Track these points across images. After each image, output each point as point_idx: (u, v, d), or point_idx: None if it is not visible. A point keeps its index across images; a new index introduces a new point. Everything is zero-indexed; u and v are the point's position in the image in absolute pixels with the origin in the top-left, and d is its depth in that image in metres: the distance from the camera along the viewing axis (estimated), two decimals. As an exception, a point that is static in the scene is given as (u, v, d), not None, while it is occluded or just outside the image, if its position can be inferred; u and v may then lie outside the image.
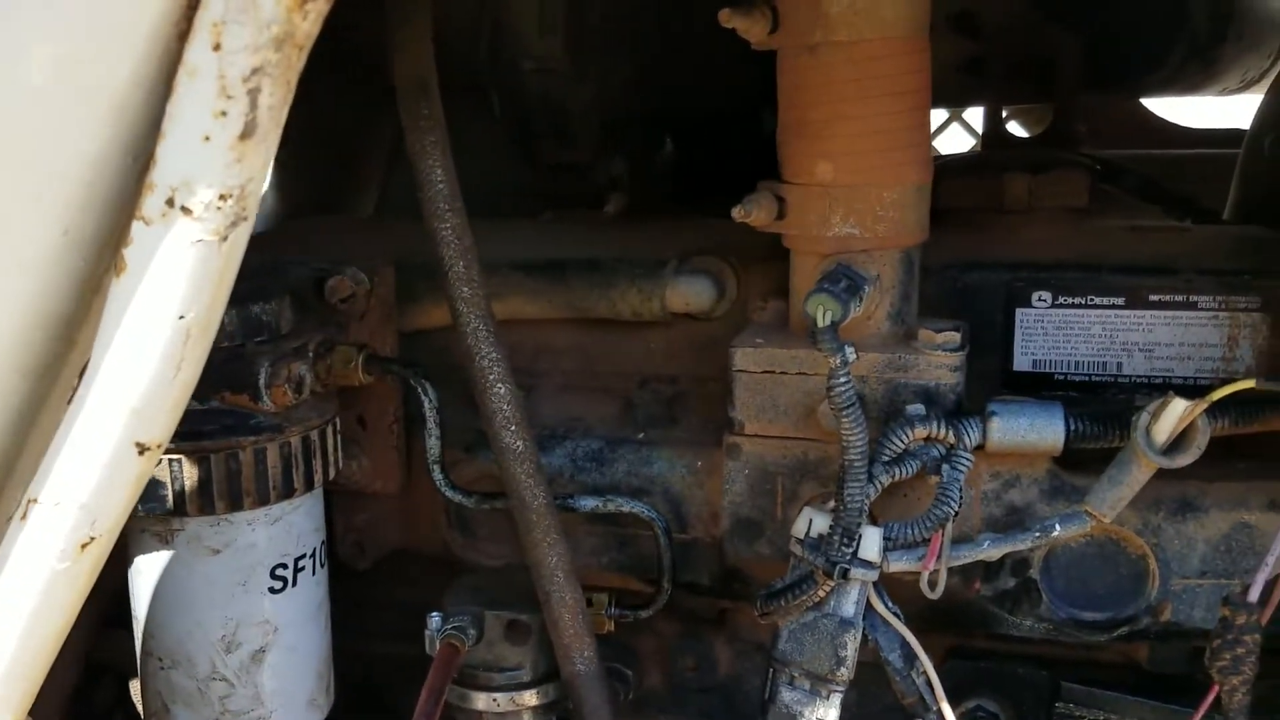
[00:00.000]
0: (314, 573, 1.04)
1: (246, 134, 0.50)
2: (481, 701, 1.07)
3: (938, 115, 2.06)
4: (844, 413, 0.87)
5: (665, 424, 1.14)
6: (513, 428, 0.98)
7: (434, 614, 1.04)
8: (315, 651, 1.07)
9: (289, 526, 1.01)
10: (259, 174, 0.52)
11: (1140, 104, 1.75)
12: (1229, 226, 1.28)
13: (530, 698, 1.06)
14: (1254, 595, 0.84)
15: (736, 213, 0.95)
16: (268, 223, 2.00)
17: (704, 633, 1.19)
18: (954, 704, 1.05)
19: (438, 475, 1.08)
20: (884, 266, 0.97)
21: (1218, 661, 0.84)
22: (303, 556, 1.03)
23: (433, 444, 1.07)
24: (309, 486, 1.00)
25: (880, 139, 0.93)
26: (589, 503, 1.08)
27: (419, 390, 1.05)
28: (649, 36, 1.49)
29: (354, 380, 1.02)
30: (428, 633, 1.03)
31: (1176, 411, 0.84)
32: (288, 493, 0.98)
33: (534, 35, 1.37)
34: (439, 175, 0.94)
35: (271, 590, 1.01)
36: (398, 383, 1.12)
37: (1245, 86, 1.72)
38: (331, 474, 1.03)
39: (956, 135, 2.22)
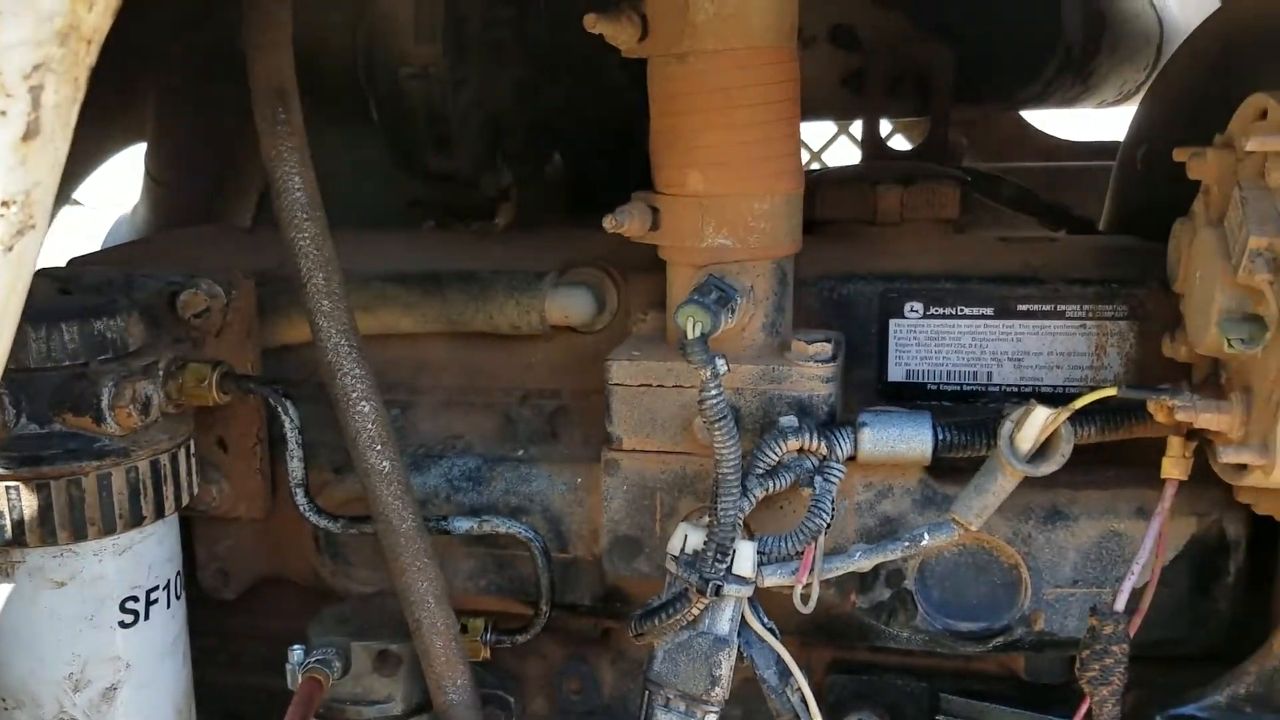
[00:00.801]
0: (169, 605, 0.99)
1: (30, 135, 0.46)
2: (351, 736, 1.03)
3: (826, 129, 2.08)
4: (716, 426, 0.85)
5: (546, 440, 1.11)
6: (378, 447, 0.94)
7: (296, 647, 0.99)
8: (172, 687, 1.01)
9: (139, 556, 0.95)
10: (47, 178, 0.48)
11: (1021, 117, 1.79)
12: (1097, 237, 1.30)
13: (400, 729, 1.01)
14: (1120, 605, 0.85)
15: (608, 223, 0.93)
16: (139, 234, 1.92)
17: (588, 654, 1.16)
18: (835, 718, 1.05)
19: (300, 499, 1.03)
20: (757, 278, 0.96)
21: (1087, 672, 0.85)
22: (156, 588, 0.97)
23: (295, 466, 1.02)
24: (160, 514, 0.94)
25: (750, 149, 0.92)
26: (464, 524, 1.04)
27: (280, 409, 1.00)
28: (535, 44, 1.47)
29: (208, 400, 0.97)
30: (289, 667, 0.98)
31: (1039, 420, 0.84)
32: (136, 521, 0.93)
33: (410, 42, 1.34)
34: (296, 183, 0.90)
35: (122, 624, 0.95)
36: (260, 402, 1.07)
37: (1123, 99, 1.77)
38: (185, 500, 0.98)
39: (845, 148, 2.25)
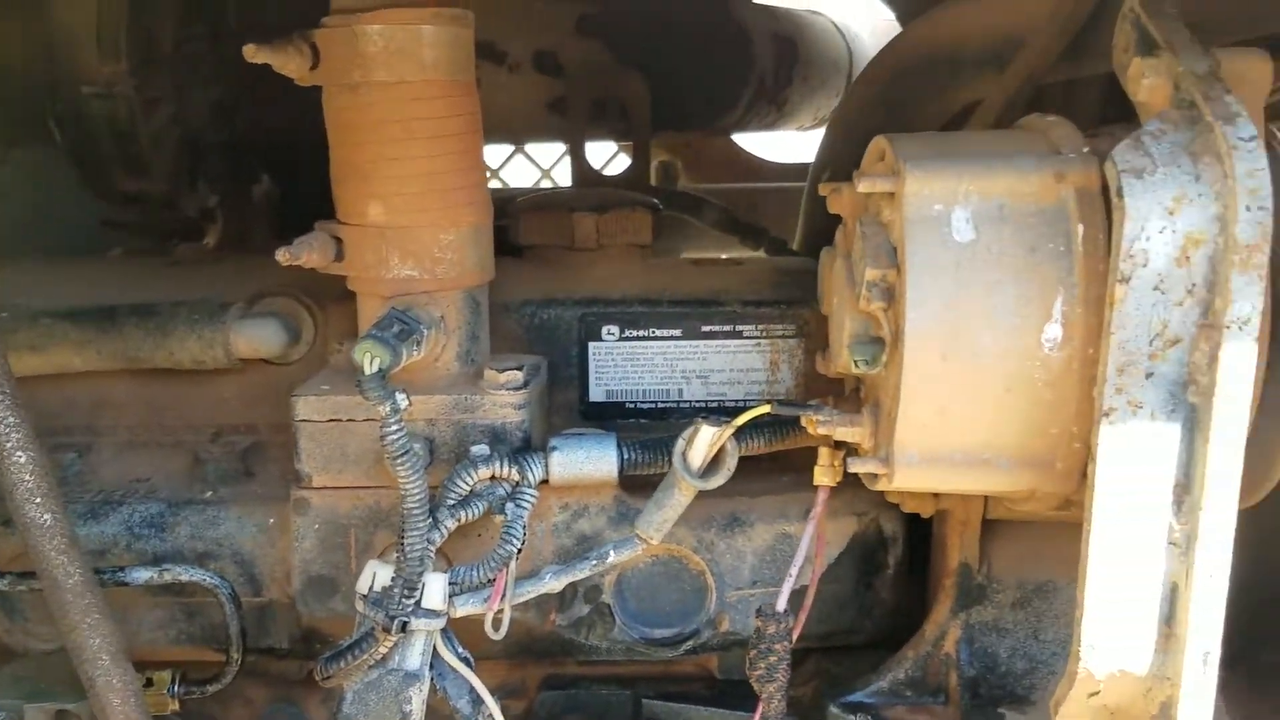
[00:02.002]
0: None
1: None
2: (23, 805, 0.95)
3: (554, 150, 2.12)
4: (398, 461, 0.85)
5: (238, 479, 1.07)
6: (37, 500, 0.87)
7: (-45, 716, 0.91)
8: None
9: None
10: None
11: (732, 141, 1.89)
12: (777, 259, 1.40)
13: (75, 798, 0.95)
14: (781, 605, 0.92)
15: (282, 256, 0.91)
16: None
17: (294, 695, 1.12)
18: (545, 733, 1.07)
19: (-42, 557, 0.94)
20: (448, 308, 0.97)
21: (755, 670, 0.91)
22: None
23: (-53, 523, 0.93)
24: None
25: (430, 180, 0.92)
26: (143, 574, 0.99)
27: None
28: (233, 62, 1.41)
29: None
30: (-56, 740, 0.90)
31: (706, 438, 0.90)
32: None
33: (93, 58, 1.26)
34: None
35: None
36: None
37: (820, 124, 1.91)
38: None
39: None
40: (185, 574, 0.98)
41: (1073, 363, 0.75)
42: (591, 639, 1.02)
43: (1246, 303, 0.66)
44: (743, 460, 0.94)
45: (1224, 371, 0.67)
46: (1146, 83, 0.74)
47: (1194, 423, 0.70)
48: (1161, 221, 0.68)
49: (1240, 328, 0.66)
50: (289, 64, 0.90)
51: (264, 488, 1.05)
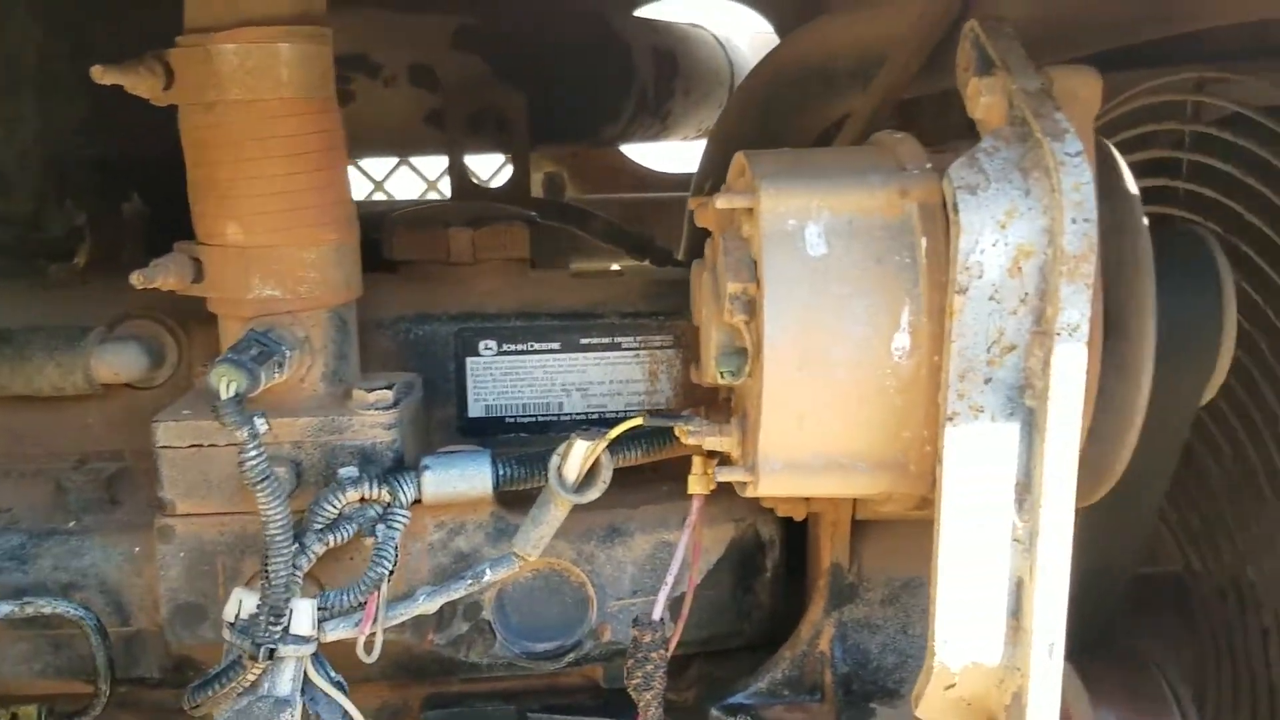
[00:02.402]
0: None
1: None
2: None
3: (441, 162, 2.11)
4: (258, 487, 0.84)
5: (103, 507, 1.04)
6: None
7: None
8: None
9: None
10: None
11: (619, 152, 1.91)
12: (657, 269, 1.42)
13: None
14: (657, 614, 0.93)
15: (135, 279, 0.89)
16: None
17: (169, 726, 1.10)
18: (429, 754, 1.06)
19: None
20: (313, 328, 0.96)
21: (632, 679, 0.92)
22: None
23: None
24: None
25: (290, 199, 0.91)
26: (3, 609, 0.95)
27: None
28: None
29: None
30: None
31: (580, 452, 0.90)
32: None
33: None
34: None
35: None
36: None
37: (704, 134, 1.93)
38: None
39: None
40: (48, 606, 0.95)
41: (921, 370, 0.78)
42: (472, 656, 1.02)
43: (1075, 310, 0.70)
44: (623, 471, 0.95)
45: (1056, 376, 0.70)
46: (983, 101, 0.77)
47: (1032, 425, 0.73)
48: (994, 235, 0.71)
49: (1070, 334, 0.70)
50: (140, 84, 0.88)
51: (130, 515, 1.02)
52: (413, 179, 2.17)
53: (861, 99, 1.24)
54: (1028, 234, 0.71)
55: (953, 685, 0.79)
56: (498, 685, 1.11)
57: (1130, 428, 0.80)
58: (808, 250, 0.79)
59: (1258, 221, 1.03)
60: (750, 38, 1.85)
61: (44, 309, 1.11)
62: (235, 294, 0.93)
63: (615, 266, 1.71)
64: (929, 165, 0.80)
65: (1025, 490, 0.74)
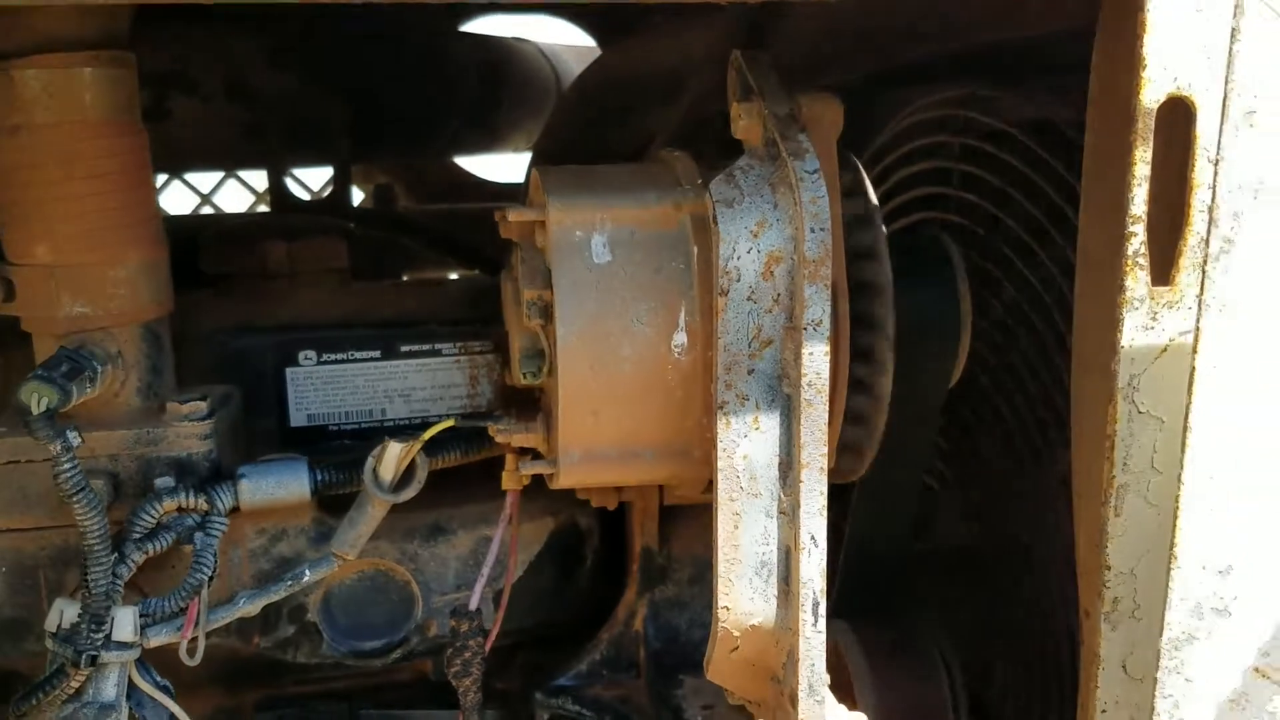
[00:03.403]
0: None
1: None
2: None
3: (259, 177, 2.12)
4: (74, 499, 0.86)
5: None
6: None
7: None
8: None
9: None
10: None
11: (454, 163, 1.96)
12: (478, 278, 1.48)
13: None
14: (474, 605, 0.99)
15: (-55, 302, 0.90)
16: None
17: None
18: (261, 754, 1.10)
19: None
20: (125, 343, 0.98)
21: (451, 667, 0.98)
22: None
23: None
24: None
25: (95, 219, 0.93)
26: None
27: None
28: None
29: None
30: None
31: (395, 453, 0.96)
32: None
33: None
34: None
35: None
36: None
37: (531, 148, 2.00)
38: None
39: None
40: None
41: (697, 364, 0.87)
42: (299, 657, 1.06)
43: (817, 307, 0.79)
44: (447, 472, 1.01)
45: (806, 365, 0.80)
46: (742, 123, 0.86)
47: (789, 409, 0.82)
48: (749, 243, 0.80)
49: (814, 329, 0.79)
50: (-63, 107, 0.89)
51: (-56, 536, 1.02)
52: (241, 192, 2.16)
53: (665, 116, 1.33)
54: (777, 242, 0.80)
55: (736, 648, 0.88)
56: (331, 685, 1.15)
57: (880, 409, 0.90)
58: (594, 259, 0.87)
59: (1016, 227, 1.16)
60: (576, 52, 1.92)
61: None
62: (47, 312, 0.94)
63: (453, 276, 1.75)
64: (700, 181, 0.89)
65: (787, 468, 0.83)
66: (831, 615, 0.85)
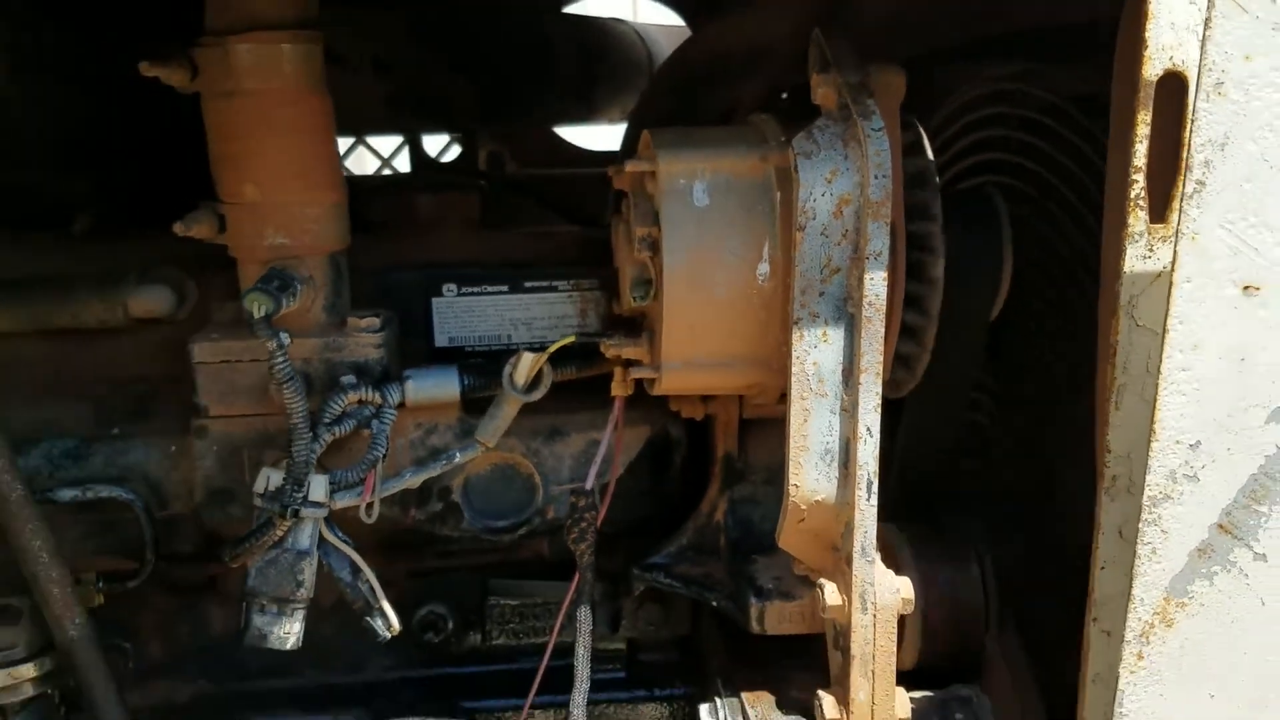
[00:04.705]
0: None
1: None
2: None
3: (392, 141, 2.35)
4: (284, 386, 1.10)
5: (139, 418, 1.28)
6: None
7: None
8: None
9: None
10: None
11: (553, 132, 2.17)
12: (585, 230, 1.69)
13: (28, 670, 1.15)
14: (589, 484, 1.21)
15: (177, 228, 1.14)
16: None
17: (197, 600, 1.35)
18: (411, 612, 1.34)
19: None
20: (314, 269, 1.21)
21: (571, 534, 1.20)
22: None
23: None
24: None
25: (294, 166, 1.16)
26: (69, 493, 1.20)
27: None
28: (110, 59, 1.58)
29: None
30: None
31: (528, 361, 1.18)
32: None
33: None
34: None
35: None
36: None
37: (628, 118, 2.20)
38: None
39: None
40: (105, 491, 1.20)
41: (778, 289, 1.07)
42: (445, 530, 1.29)
43: (878, 241, 0.99)
44: (562, 385, 1.23)
45: (867, 289, 1.00)
46: (821, 91, 1.05)
47: (852, 325, 1.02)
48: (823, 188, 1.00)
49: (875, 259, 0.99)
50: (174, 76, 1.12)
51: (163, 424, 1.26)
52: (367, 157, 2.41)
53: (751, 87, 1.52)
54: (846, 187, 1.00)
55: (803, 519, 1.08)
56: (463, 560, 1.38)
57: (931, 324, 1.09)
58: (695, 202, 1.08)
59: (1068, 193, 1.30)
60: (669, 32, 2.12)
61: (70, 260, 1.33)
62: (252, 241, 1.18)
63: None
64: (784, 139, 1.08)
65: (849, 372, 1.03)
66: (881, 519, 1.03)
